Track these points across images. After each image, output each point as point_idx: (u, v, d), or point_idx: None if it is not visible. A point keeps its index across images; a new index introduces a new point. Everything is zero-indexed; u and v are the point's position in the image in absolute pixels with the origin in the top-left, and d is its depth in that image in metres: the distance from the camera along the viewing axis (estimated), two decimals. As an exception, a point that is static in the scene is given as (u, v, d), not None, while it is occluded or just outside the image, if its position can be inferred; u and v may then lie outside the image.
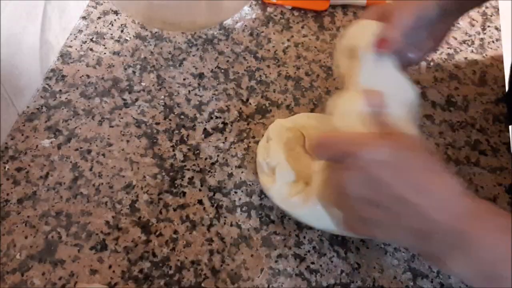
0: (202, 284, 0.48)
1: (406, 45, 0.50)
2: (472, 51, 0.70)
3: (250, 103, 0.62)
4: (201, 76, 0.65)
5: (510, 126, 0.63)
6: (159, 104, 0.62)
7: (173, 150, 0.58)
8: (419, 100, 0.50)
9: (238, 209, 0.53)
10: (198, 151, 0.58)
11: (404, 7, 0.50)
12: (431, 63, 0.68)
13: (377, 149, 0.38)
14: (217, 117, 0.61)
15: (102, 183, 0.55)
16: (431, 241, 0.37)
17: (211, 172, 0.56)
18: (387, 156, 0.38)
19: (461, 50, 0.70)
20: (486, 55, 0.69)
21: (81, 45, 0.67)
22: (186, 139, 0.59)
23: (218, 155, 0.57)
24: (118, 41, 0.68)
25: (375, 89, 0.45)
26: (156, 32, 0.70)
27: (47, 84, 0.63)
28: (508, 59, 0.69)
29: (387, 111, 0.43)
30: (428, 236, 0.37)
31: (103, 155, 0.57)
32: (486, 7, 0.75)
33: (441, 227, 0.37)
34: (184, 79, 0.64)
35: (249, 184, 0.55)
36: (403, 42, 0.49)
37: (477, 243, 0.36)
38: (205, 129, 0.60)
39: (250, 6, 0.73)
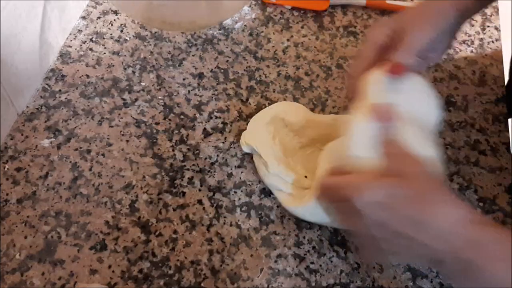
0: (202, 284, 0.48)
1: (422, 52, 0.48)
2: (471, 51, 0.70)
3: (249, 103, 0.62)
4: (200, 76, 0.65)
5: (509, 120, 0.63)
6: (158, 104, 0.62)
7: (173, 150, 0.58)
8: (441, 121, 0.48)
9: (238, 209, 0.53)
10: (197, 151, 0.58)
11: (417, 27, 0.48)
12: (431, 63, 0.68)
13: (372, 192, 0.39)
14: (216, 117, 0.61)
15: (101, 183, 0.55)
16: (443, 266, 0.39)
17: (211, 172, 0.56)
18: (381, 197, 0.39)
19: (460, 50, 0.70)
20: (485, 55, 0.69)
21: (81, 45, 0.67)
22: (185, 139, 0.59)
23: (217, 155, 0.57)
24: (118, 41, 0.68)
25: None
26: (156, 32, 0.69)
27: (47, 84, 0.63)
28: (508, 58, 0.69)
29: (397, 125, 0.43)
30: (439, 262, 0.39)
31: (103, 155, 0.57)
32: (486, 7, 0.75)
33: (447, 256, 0.38)
34: (183, 79, 0.64)
35: (249, 184, 0.55)
36: (418, 61, 0.48)
37: (482, 271, 0.37)
38: (204, 129, 0.60)
39: (250, 6, 0.73)
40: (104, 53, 0.67)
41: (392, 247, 0.40)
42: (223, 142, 0.59)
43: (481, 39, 0.71)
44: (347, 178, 0.42)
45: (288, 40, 0.70)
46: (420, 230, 0.38)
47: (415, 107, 0.46)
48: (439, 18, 0.49)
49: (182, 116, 0.61)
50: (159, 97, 0.62)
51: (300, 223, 0.52)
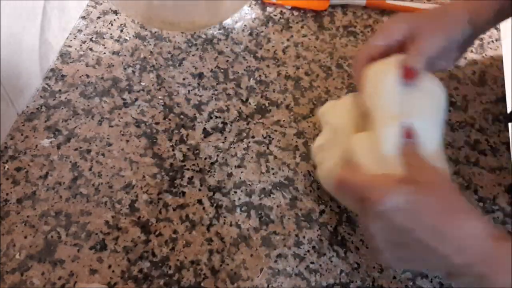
0: (202, 284, 0.48)
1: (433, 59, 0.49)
2: (471, 51, 0.70)
3: (249, 103, 0.62)
4: (200, 76, 0.65)
5: (510, 124, 0.63)
6: (158, 104, 0.62)
7: (173, 150, 0.58)
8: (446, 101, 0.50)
9: (238, 209, 0.53)
10: (197, 151, 0.58)
11: (431, 33, 0.48)
12: (431, 63, 0.68)
13: (394, 196, 0.39)
14: (216, 117, 0.61)
15: (101, 183, 0.55)
16: (458, 280, 0.39)
17: (211, 172, 0.56)
18: (404, 203, 0.39)
19: (460, 50, 0.70)
20: (485, 55, 0.69)
21: (81, 45, 0.67)
22: (185, 139, 0.59)
23: (217, 155, 0.57)
24: (118, 41, 0.68)
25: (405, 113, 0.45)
26: (155, 32, 0.69)
27: (47, 84, 0.63)
28: (508, 59, 0.69)
29: (417, 142, 0.44)
30: (455, 275, 0.39)
31: (103, 155, 0.57)
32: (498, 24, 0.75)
33: (463, 269, 0.38)
34: (183, 79, 0.64)
35: (249, 184, 0.55)
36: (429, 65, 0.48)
37: (494, 285, 0.37)
38: (204, 129, 0.60)
39: (250, 6, 0.73)
40: (104, 53, 0.67)
41: (409, 255, 0.40)
42: (223, 142, 0.59)
43: (481, 39, 0.71)
44: (367, 178, 0.42)
45: (288, 40, 0.70)
46: (443, 240, 0.38)
47: (426, 116, 0.47)
48: (452, 28, 0.50)
49: (182, 116, 0.61)
50: (159, 97, 0.62)
51: (300, 223, 0.53)
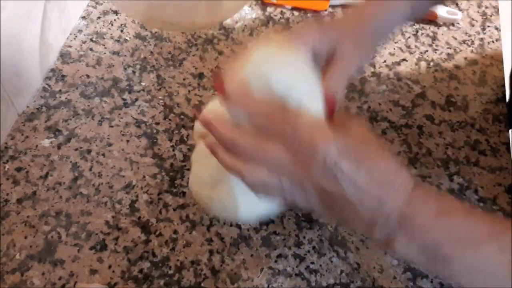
0: (202, 284, 0.48)
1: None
2: (472, 51, 0.70)
3: (250, 103, 0.62)
4: (200, 76, 0.65)
5: (510, 131, 0.63)
6: (159, 104, 0.62)
7: (173, 150, 0.58)
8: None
9: (238, 209, 0.53)
10: (198, 151, 0.58)
11: (352, 52, 0.45)
12: (431, 63, 0.68)
13: (338, 141, 0.38)
14: (217, 117, 0.61)
15: (102, 183, 0.55)
16: (378, 227, 0.38)
17: (211, 172, 0.56)
18: (347, 148, 0.38)
19: (461, 50, 0.70)
20: (486, 55, 0.69)
21: (81, 45, 0.67)
22: (186, 139, 0.59)
23: (218, 155, 0.57)
24: (118, 41, 0.68)
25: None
26: (156, 32, 0.70)
27: (47, 84, 0.63)
28: (508, 59, 0.69)
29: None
30: (375, 222, 0.38)
31: (103, 155, 0.57)
32: (486, 7, 0.75)
33: (385, 213, 0.37)
34: (184, 79, 0.64)
35: (249, 184, 0.55)
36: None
37: (418, 225, 0.37)
38: (205, 129, 0.60)
39: (250, 6, 0.73)
40: (104, 53, 0.67)
41: (339, 206, 0.39)
42: (223, 142, 0.58)
43: (481, 39, 0.71)
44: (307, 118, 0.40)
45: (288, 40, 0.69)
46: (381, 187, 0.38)
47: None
48: (374, 41, 0.48)
49: (182, 116, 0.61)
50: (159, 97, 0.62)
51: (300, 223, 0.53)
